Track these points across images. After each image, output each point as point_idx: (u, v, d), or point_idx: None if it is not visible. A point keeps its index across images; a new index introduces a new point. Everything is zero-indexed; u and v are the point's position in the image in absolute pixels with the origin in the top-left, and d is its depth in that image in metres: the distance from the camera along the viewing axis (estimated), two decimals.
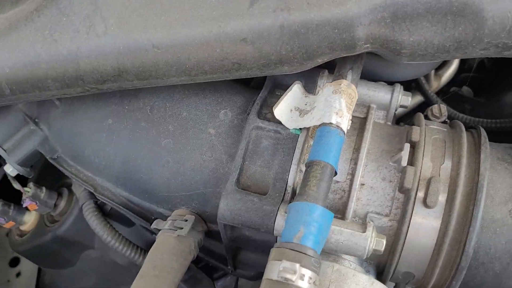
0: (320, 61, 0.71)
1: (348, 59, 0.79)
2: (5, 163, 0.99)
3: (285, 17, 0.66)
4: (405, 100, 0.84)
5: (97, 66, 0.71)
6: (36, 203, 1.06)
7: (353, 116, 0.83)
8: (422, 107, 1.28)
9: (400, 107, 0.85)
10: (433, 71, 1.24)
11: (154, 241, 1.07)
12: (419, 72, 0.94)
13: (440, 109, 0.85)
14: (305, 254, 0.62)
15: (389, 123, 0.86)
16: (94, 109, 0.87)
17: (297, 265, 0.60)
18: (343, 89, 0.74)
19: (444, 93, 1.29)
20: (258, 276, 0.97)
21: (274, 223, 0.72)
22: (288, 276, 0.60)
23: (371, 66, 0.88)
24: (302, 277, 0.60)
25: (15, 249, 1.17)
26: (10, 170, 0.96)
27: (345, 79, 0.76)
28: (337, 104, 0.73)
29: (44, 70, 0.72)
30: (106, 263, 1.15)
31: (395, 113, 0.86)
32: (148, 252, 1.02)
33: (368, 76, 0.87)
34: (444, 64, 1.27)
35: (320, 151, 0.70)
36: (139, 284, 0.75)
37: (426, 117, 0.87)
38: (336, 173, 0.70)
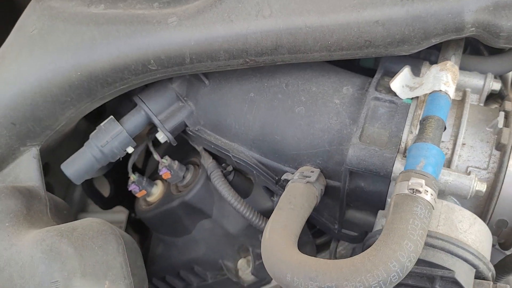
0: (433, 41, 0.91)
1: (450, 46, 0.99)
2: (154, 134, 1.23)
3: (410, 4, 0.88)
4: (496, 85, 1.02)
5: (260, 41, 0.94)
6: (170, 172, 1.27)
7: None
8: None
9: (491, 91, 1.03)
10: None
11: (268, 209, 1.25)
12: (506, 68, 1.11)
13: None
14: (428, 177, 0.79)
15: (481, 105, 1.04)
16: (238, 86, 1.10)
17: (423, 182, 0.78)
18: (449, 68, 0.94)
19: None
20: (360, 239, 1.13)
21: (393, 167, 0.90)
22: (418, 188, 0.77)
23: (465, 62, 1.07)
24: (426, 192, 0.77)
25: (142, 215, 1.38)
26: (161, 137, 1.19)
27: (450, 61, 0.96)
28: (444, 77, 0.92)
29: (219, 43, 0.96)
30: (216, 235, 1.33)
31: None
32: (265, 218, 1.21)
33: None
34: None
35: (434, 108, 0.88)
36: (278, 213, 0.93)
37: None
38: (445, 128, 0.88)
